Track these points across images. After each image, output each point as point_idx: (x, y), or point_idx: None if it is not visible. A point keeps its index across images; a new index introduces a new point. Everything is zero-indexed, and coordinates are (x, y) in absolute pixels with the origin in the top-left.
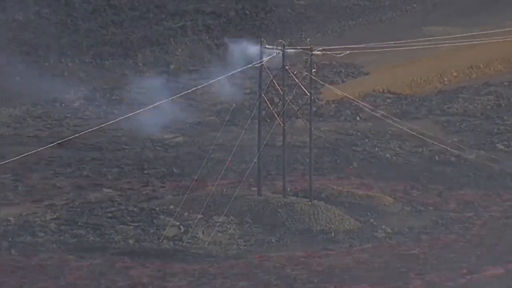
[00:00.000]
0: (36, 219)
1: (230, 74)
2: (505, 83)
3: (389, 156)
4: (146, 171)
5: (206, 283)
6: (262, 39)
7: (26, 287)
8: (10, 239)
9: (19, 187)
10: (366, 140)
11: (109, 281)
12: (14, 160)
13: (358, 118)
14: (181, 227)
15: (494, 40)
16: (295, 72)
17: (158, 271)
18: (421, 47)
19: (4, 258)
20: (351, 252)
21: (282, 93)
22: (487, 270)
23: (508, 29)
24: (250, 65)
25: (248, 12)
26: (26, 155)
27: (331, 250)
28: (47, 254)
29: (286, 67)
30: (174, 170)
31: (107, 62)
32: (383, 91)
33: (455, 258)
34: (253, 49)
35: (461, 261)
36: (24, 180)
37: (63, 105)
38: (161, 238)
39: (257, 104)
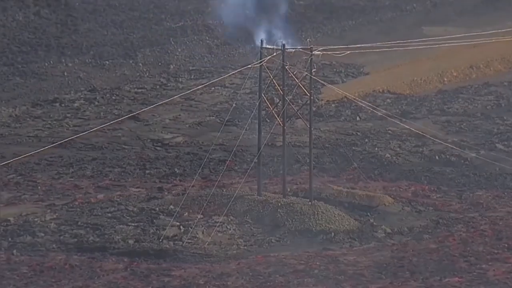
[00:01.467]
0: (36, 219)
1: (229, 74)
2: (505, 83)
3: (389, 156)
4: (148, 171)
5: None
6: (262, 39)
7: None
8: (10, 239)
9: (38, 187)
10: (366, 140)
11: (152, 281)
12: (15, 160)
13: (358, 118)
14: (181, 227)
15: (494, 40)
16: (295, 72)
17: (208, 271)
18: (421, 47)
19: (33, 258)
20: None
21: (282, 93)
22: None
23: (508, 29)
24: (249, 65)
25: (247, 11)
26: (27, 155)
27: (330, 253)
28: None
29: (286, 67)
30: (176, 170)
31: (107, 62)
32: (383, 91)
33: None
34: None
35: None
36: (36, 180)
37: (63, 105)
38: (161, 238)
39: (257, 104)
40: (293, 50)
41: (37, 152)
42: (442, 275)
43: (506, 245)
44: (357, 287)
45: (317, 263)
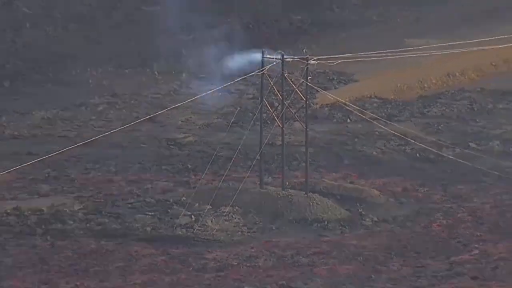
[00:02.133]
0: (65, 209)
1: (234, 81)
2: (478, 89)
3: (376, 153)
4: (164, 167)
5: None
6: (264, 50)
7: (97, 268)
8: (43, 226)
9: (75, 180)
10: (356, 140)
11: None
12: (48, 157)
13: (348, 120)
14: (192, 216)
15: (468, 51)
16: (292, 80)
17: (236, 254)
18: (404, 56)
19: (72, 244)
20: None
21: (281, 98)
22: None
23: (481, 39)
24: (252, 73)
25: (251, 26)
26: (58, 153)
27: (326, 237)
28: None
29: (285, 75)
30: (189, 166)
31: (126, 70)
32: (370, 96)
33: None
34: (255, 58)
35: None
36: (70, 175)
37: (88, 108)
38: (175, 226)
39: (259, 108)
40: (291, 59)
41: (67, 150)
42: (445, 254)
43: (488, 229)
44: (380, 265)
45: (325, 247)
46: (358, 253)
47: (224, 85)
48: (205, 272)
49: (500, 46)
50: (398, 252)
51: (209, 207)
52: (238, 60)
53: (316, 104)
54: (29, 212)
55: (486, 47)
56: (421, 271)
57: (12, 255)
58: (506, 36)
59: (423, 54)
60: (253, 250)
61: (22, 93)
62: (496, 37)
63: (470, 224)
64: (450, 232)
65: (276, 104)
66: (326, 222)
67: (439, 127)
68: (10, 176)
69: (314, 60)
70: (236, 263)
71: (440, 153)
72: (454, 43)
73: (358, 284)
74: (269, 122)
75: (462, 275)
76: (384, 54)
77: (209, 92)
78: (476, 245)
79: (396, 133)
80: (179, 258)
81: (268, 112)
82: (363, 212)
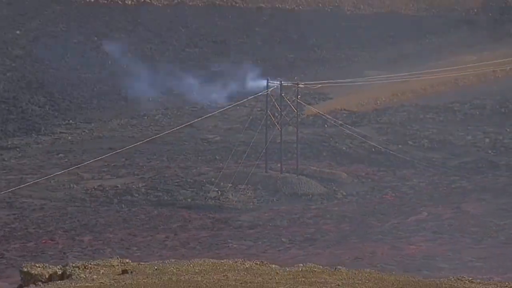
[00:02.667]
0: (133, 186)
1: (248, 98)
2: (413, 105)
3: (344, 148)
4: (200, 157)
5: None
6: (268, 78)
7: (163, 227)
8: (118, 197)
9: (142, 167)
10: (331, 139)
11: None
12: (121, 150)
13: (326, 125)
14: (219, 191)
15: (406, 79)
16: (287, 98)
17: (257, 217)
18: (364, 82)
19: (136, 211)
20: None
21: (280, 110)
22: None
23: (415, 72)
24: (260, 93)
25: (259, 62)
26: (128, 148)
27: (310, 206)
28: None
29: (282, 94)
30: (217, 157)
31: (174, 91)
32: (341, 109)
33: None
34: (262, 84)
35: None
36: (139, 163)
37: (149, 118)
38: (207, 198)
39: (265, 117)
40: (286, 84)
41: (135, 145)
42: (404, 215)
43: (427, 198)
44: (364, 223)
45: (318, 212)
46: (343, 215)
47: (241, 102)
48: (243, 229)
49: (427, 77)
50: (370, 214)
51: (230, 185)
52: (251, 84)
53: (304, 114)
54: (109, 187)
55: (417, 77)
56: (396, 226)
57: (104, 217)
58: (430, 70)
59: (376, 81)
60: (266, 214)
61: (105, 107)
62: (424, 71)
63: (413, 196)
64: (399, 201)
65: (277, 114)
66: (310, 196)
67: (387, 130)
68: (97, 163)
69: (302, 84)
70: (262, 223)
71: (388, 148)
72: (395, 75)
73: (361, 235)
74: (271, 127)
75: (426, 230)
76: (350, 81)
77: (231, 106)
78: (421, 209)
79: (358, 135)
80: (221, 221)
81: (271, 120)
82: (335, 189)
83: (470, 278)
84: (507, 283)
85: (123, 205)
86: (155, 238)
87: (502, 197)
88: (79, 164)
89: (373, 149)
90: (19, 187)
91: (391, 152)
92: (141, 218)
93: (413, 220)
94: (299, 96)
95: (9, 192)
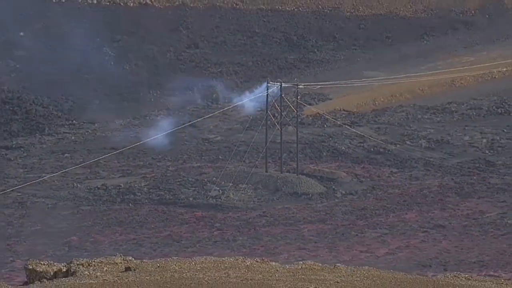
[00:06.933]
0: (136, 185)
1: (249, 99)
2: (411, 105)
3: (344, 148)
4: (202, 157)
5: None
6: (268, 79)
7: (165, 225)
8: (121, 196)
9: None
10: (330, 139)
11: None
12: (125, 149)
13: (325, 125)
14: (220, 190)
15: (404, 80)
16: (287, 98)
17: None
18: (363, 83)
19: (145, 209)
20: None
21: (280, 110)
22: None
23: (412, 74)
24: (260, 94)
25: (259, 63)
26: (130, 147)
27: (310, 205)
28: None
29: (282, 95)
30: (218, 156)
31: (176, 92)
32: (340, 109)
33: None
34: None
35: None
36: (145, 161)
37: (151, 118)
38: (208, 197)
39: (265, 117)
40: (287, 85)
41: (139, 144)
42: (401, 211)
43: (422, 195)
44: (368, 218)
45: (323, 208)
46: (350, 212)
47: (241, 101)
48: (243, 228)
49: (425, 78)
50: (390, 209)
51: (231, 184)
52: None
53: (304, 114)
54: (112, 186)
55: (415, 78)
56: (395, 224)
57: (107, 215)
58: (427, 73)
59: (374, 82)
60: (266, 213)
61: (108, 108)
62: (421, 73)
63: (414, 193)
64: (404, 196)
65: (277, 114)
66: (310, 195)
67: (386, 130)
68: (99, 163)
69: (302, 85)
70: (262, 222)
71: (387, 147)
72: (393, 76)
73: (360, 233)
74: (271, 127)
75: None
76: (349, 82)
77: (231, 106)
78: (419, 207)
79: (357, 134)
80: (222, 219)
81: (271, 120)
82: (335, 188)
83: (466, 276)
84: (503, 280)
85: (130, 204)
86: (157, 236)
87: (499, 195)
88: (82, 163)
89: (372, 149)
90: (23, 185)
91: (389, 151)
92: (144, 216)
93: (412, 218)
94: (299, 97)
95: (13, 191)
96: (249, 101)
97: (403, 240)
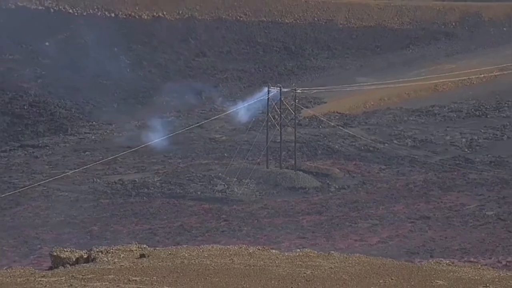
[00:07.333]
0: (149, 180)
1: (252, 102)
2: (398, 108)
3: (337, 147)
4: (209, 155)
5: None
6: (269, 84)
7: (175, 216)
8: (136, 190)
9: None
10: (325, 138)
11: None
12: (137, 148)
13: (320, 126)
14: (225, 185)
15: (392, 86)
16: (286, 102)
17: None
18: (354, 88)
19: (157, 202)
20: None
21: (279, 112)
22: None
23: (401, 80)
24: (262, 97)
25: (260, 70)
26: (143, 146)
27: (307, 198)
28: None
29: (282, 99)
30: (224, 154)
31: (186, 96)
32: (334, 112)
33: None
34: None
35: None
36: (157, 159)
37: (163, 120)
38: (214, 191)
39: (266, 118)
40: (285, 90)
41: (151, 143)
42: (392, 202)
43: (407, 189)
44: (360, 210)
45: (320, 201)
46: (343, 204)
47: (244, 104)
48: (247, 219)
49: (410, 83)
50: (379, 202)
51: (235, 179)
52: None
53: (301, 116)
54: (127, 181)
55: (402, 84)
56: (384, 216)
57: (124, 207)
58: (413, 79)
59: (365, 87)
60: (267, 206)
61: (124, 110)
62: (408, 78)
63: (401, 187)
64: (389, 192)
65: (276, 116)
66: (307, 189)
67: (375, 130)
68: (116, 160)
69: (299, 90)
70: (264, 214)
71: (376, 146)
72: (382, 82)
73: (352, 224)
74: (272, 128)
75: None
76: (342, 87)
77: (236, 109)
78: (407, 200)
79: (350, 134)
80: (227, 211)
81: (271, 121)
82: (329, 183)
83: (447, 262)
84: (480, 266)
85: (145, 198)
86: (170, 227)
87: (478, 189)
88: (101, 160)
89: (363, 148)
90: (48, 180)
91: (378, 150)
92: (157, 208)
93: (400, 210)
94: (296, 100)
95: (40, 185)
96: (249, 105)
97: (393, 230)
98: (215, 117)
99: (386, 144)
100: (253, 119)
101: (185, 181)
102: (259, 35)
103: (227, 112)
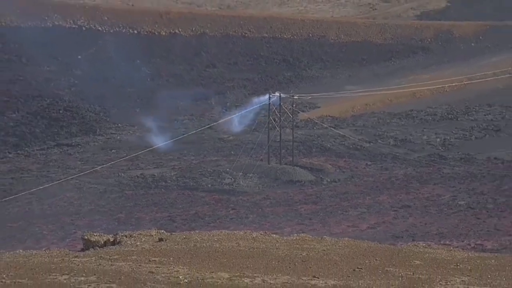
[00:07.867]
0: (166, 174)
1: (255, 107)
2: (382, 112)
3: (329, 145)
4: (219, 152)
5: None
6: (269, 91)
7: (189, 206)
8: (155, 183)
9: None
10: (318, 138)
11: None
12: (154, 147)
13: (314, 128)
14: (232, 178)
15: (378, 93)
16: (285, 106)
17: (266, 197)
18: (344, 95)
19: (172, 194)
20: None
21: (279, 116)
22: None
23: (384, 87)
24: (264, 103)
25: (263, 79)
26: (161, 144)
27: (303, 190)
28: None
29: (281, 104)
30: (232, 152)
31: (198, 102)
32: (326, 115)
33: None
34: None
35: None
36: (174, 156)
37: (178, 121)
38: (223, 184)
39: (267, 121)
40: (284, 96)
41: (169, 142)
42: (380, 194)
43: (391, 182)
44: (352, 200)
45: (314, 192)
46: (335, 195)
47: (249, 109)
48: (251, 208)
49: (392, 91)
50: (367, 192)
51: (241, 173)
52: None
53: (298, 119)
54: (148, 175)
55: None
56: (379, 202)
57: (145, 197)
58: (394, 87)
59: (353, 94)
60: (268, 196)
61: (144, 114)
62: (390, 87)
63: (384, 180)
64: (374, 184)
65: (277, 119)
66: (303, 182)
67: (362, 131)
68: (138, 157)
69: (296, 96)
70: (265, 203)
71: (363, 145)
72: (368, 89)
73: (343, 212)
74: (273, 129)
75: (393, 208)
76: (333, 94)
77: (241, 113)
78: (390, 192)
79: (340, 134)
80: (233, 201)
81: (272, 123)
82: (322, 177)
83: (424, 244)
84: (452, 248)
85: (162, 190)
86: (186, 214)
87: (450, 182)
88: (125, 157)
89: (351, 146)
90: (80, 174)
91: (364, 148)
92: (173, 199)
93: (384, 200)
94: (294, 105)
95: (73, 178)
96: (256, 108)
97: (379, 217)
98: (223, 120)
99: (372, 143)
100: (256, 122)
101: (198, 175)
102: (262, 49)
103: (234, 116)
